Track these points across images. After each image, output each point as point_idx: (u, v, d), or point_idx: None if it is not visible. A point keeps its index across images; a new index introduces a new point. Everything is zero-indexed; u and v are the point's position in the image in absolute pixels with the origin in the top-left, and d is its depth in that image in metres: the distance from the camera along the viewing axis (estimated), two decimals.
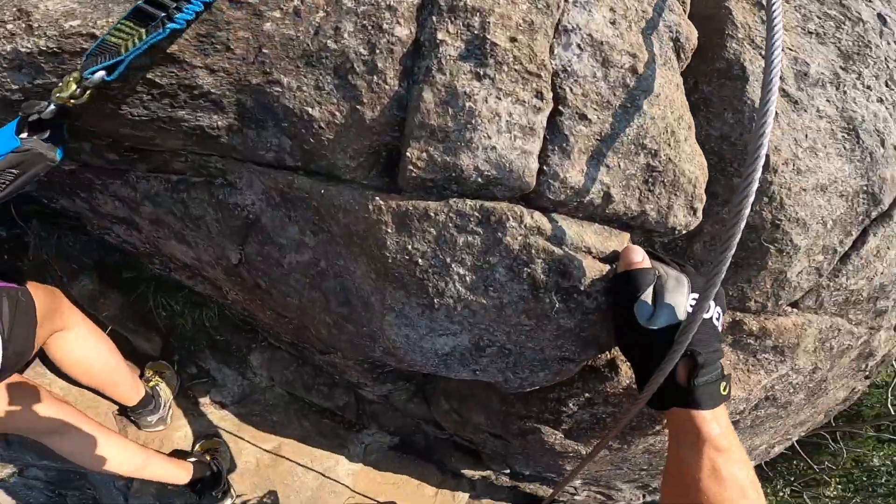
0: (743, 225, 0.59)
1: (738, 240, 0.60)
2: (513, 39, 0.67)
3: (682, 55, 0.82)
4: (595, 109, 0.71)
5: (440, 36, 0.66)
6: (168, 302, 1.62)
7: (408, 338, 0.88)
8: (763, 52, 0.84)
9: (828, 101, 0.90)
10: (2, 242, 1.57)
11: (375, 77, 0.68)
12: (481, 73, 0.67)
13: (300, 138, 0.72)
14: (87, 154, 0.85)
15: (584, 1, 0.71)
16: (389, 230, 0.72)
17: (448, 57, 0.66)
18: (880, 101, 0.96)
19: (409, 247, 0.73)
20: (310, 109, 0.69)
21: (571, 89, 0.70)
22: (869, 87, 0.95)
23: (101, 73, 0.61)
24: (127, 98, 0.70)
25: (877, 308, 1.14)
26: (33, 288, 1.16)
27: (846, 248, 1.00)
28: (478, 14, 0.66)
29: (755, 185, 0.59)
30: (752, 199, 0.59)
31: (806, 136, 0.88)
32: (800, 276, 0.99)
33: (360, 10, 0.66)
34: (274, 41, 0.67)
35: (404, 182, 0.70)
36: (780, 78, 0.80)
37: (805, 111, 0.88)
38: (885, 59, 0.99)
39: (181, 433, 1.79)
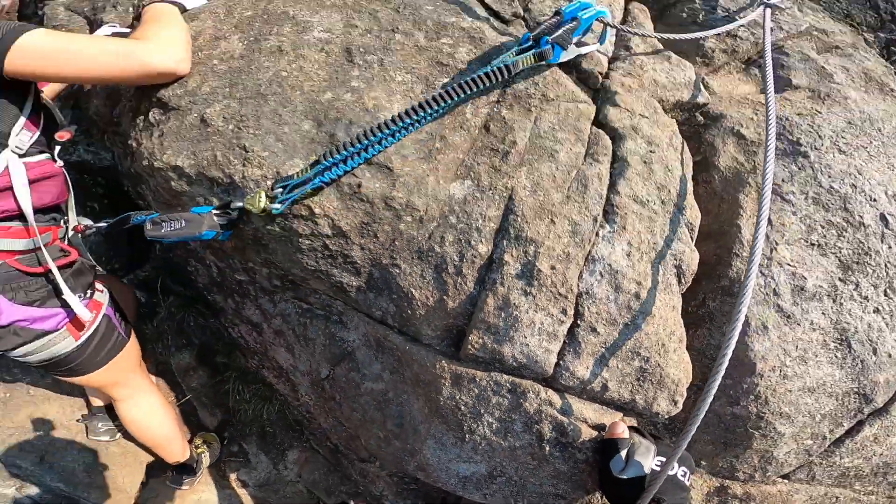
0: (701, 418, 0.83)
1: (696, 427, 0.83)
2: (552, 267, 1.03)
3: (682, 280, 1.10)
4: (604, 325, 1.04)
5: (506, 258, 1.04)
6: (243, 390, 1.96)
7: (439, 459, 1.16)
8: (763, 271, 1.09)
9: (823, 313, 1.09)
10: (139, 306, 2.02)
11: (459, 279, 1.07)
12: (528, 290, 1.04)
13: (402, 308, 1.10)
14: (263, 276, 1.29)
15: (610, 235, 1.04)
16: (446, 384, 1.07)
17: (508, 275, 1.04)
18: (876, 311, 1.11)
19: (457, 397, 1.06)
20: (413, 291, 1.08)
21: (589, 308, 1.04)
22: (866, 298, 1.10)
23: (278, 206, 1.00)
24: (307, 252, 1.12)
25: (889, 481, 1.25)
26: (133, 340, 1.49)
27: (838, 436, 1.14)
28: (532, 244, 1.03)
29: (712, 395, 0.82)
30: (709, 403, 0.82)
31: (796, 346, 1.08)
32: (787, 455, 1.16)
33: (459, 226, 1.06)
34: (403, 237, 1.07)
35: (464, 354, 1.06)
36: (776, 293, 1.08)
37: (798, 324, 1.08)
38: (886, 265, 1.13)
39: (197, 497, 1.93)
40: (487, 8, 1.31)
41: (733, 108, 1.34)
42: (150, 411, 1.58)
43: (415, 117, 1.04)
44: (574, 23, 1.12)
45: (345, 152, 1.02)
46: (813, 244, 1.14)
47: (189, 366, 2.04)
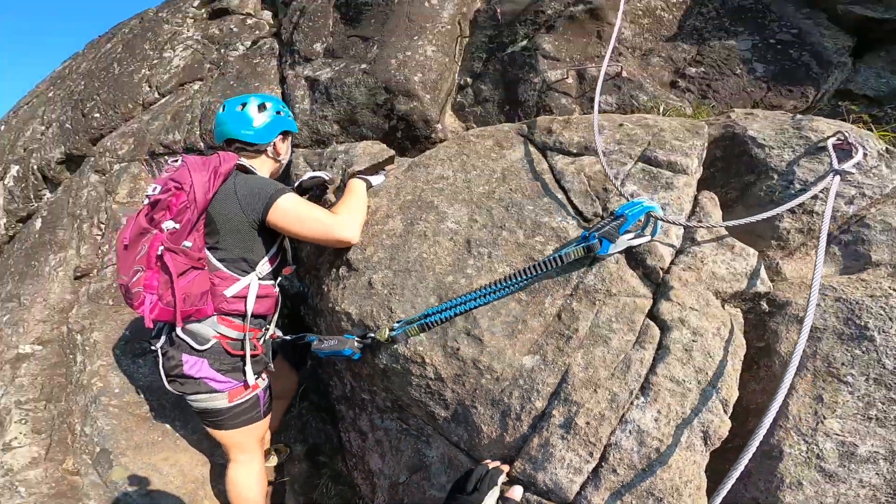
0: None
1: None
2: (588, 423, 1.24)
3: (709, 441, 1.19)
4: (624, 468, 1.18)
5: (554, 412, 1.30)
6: (330, 487, 2.30)
7: None
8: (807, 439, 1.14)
9: (877, 474, 1.08)
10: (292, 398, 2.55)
11: (518, 423, 1.36)
12: (565, 436, 1.26)
13: (472, 437, 1.43)
14: (380, 398, 1.74)
15: (642, 404, 1.23)
16: None
17: (553, 424, 1.28)
18: None
19: None
20: (483, 426, 1.41)
21: (613, 455, 1.20)
22: None
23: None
24: (416, 387, 1.53)
25: None
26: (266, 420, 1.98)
27: None
28: (576, 405, 1.27)
29: None
30: None
31: (837, 500, 1.09)
32: None
33: (524, 386, 1.37)
34: (483, 388, 1.41)
35: (509, 475, 1.31)
36: (819, 457, 1.13)
37: (843, 482, 1.10)
38: None
39: None
40: (574, 208, 1.67)
41: (802, 294, 1.40)
42: (251, 478, 1.96)
43: (489, 290, 1.49)
44: (621, 219, 1.40)
45: (441, 306, 1.51)
46: (871, 417, 1.15)
47: (297, 456, 2.48)
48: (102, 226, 3.32)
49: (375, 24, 3.06)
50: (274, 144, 1.93)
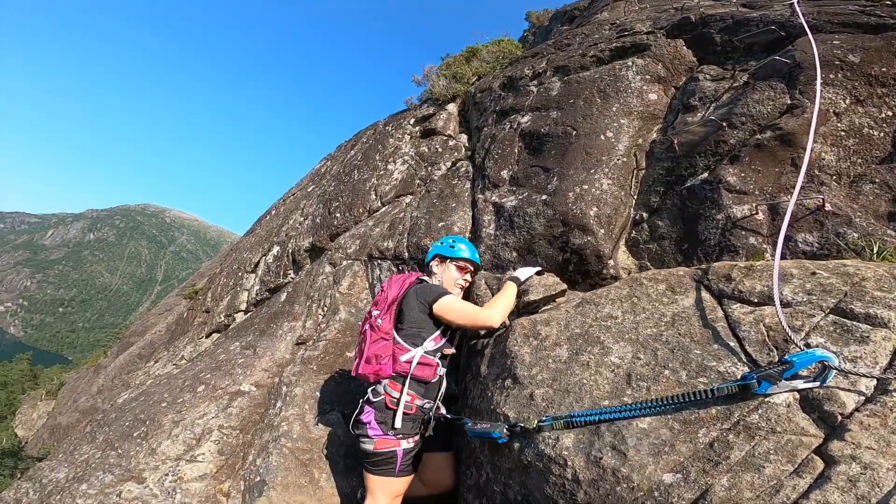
0: None
1: None
2: None
3: None
4: None
5: None
6: None
7: None
8: None
9: None
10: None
11: None
12: None
13: None
14: (513, 492, 1.93)
15: None
16: None
17: None
18: None
19: None
20: None
21: None
22: None
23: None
24: (551, 485, 1.71)
25: None
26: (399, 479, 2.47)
27: None
28: None
29: None
30: None
31: None
32: None
33: (658, 499, 1.44)
34: (616, 495, 1.53)
35: None
36: None
37: None
38: None
39: None
40: (748, 356, 1.71)
41: None
42: None
43: (635, 406, 1.67)
44: (787, 365, 1.48)
45: (588, 411, 1.74)
46: None
47: None
48: (325, 308, 4.40)
49: (556, 155, 3.57)
50: (432, 266, 2.92)
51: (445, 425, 2.74)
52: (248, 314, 5.82)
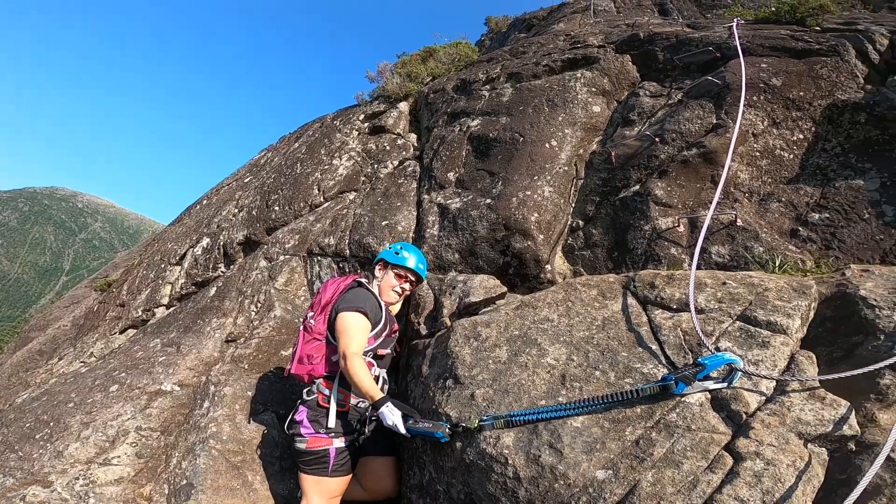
0: None
1: None
2: None
3: None
4: None
5: None
6: None
7: None
8: None
9: None
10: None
11: None
12: None
13: None
14: (456, 490, 1.98)
15: None
16: None
17: None
18: None
19: None
20: None
21: None
22: None
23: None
24: (493, 483, 1.77)
25: None
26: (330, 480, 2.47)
27: None
28: None
29: None
30: None
31: None
32: None
33: (593, 494, 1.56)
34: (554, 491, 1.63)
35: None
36: None
37: None
38: None
39: None
40: (667, 358, 1.89)
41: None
42: None
43: (568, 406, 1.80)
44: (700, 367, 1.67)
45: (526, 410, 1.85)
46: None
47: None
48: (259, 304, 4.22)
49: (502, 160, 3.68)
50: (375, 269, 2.86)
51: (387, 430, 2.72)
52: (171, 309, 5.45)
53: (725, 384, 1.70)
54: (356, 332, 2.47)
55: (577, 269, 3.06)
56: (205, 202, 7.18)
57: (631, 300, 2.21)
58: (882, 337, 1.75)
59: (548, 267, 3.01)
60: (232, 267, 4.98)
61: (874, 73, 3.04)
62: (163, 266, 6.13)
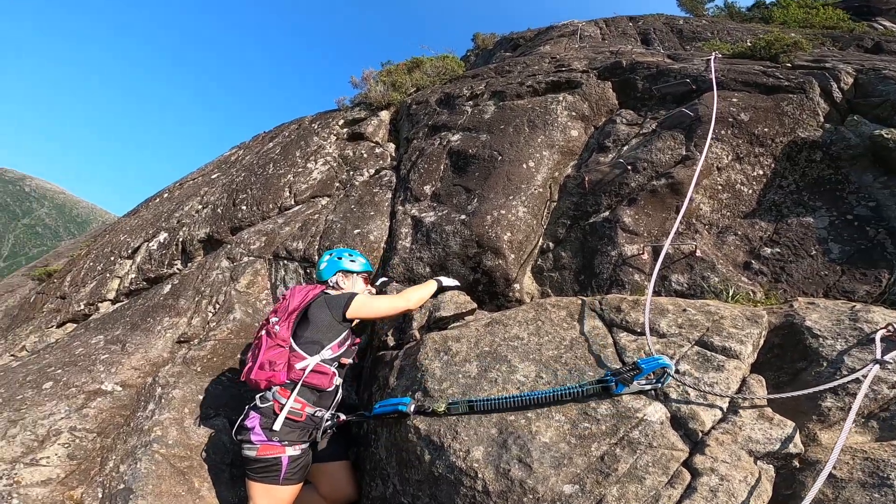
0: None
1: None
2: None
3: None
4: None
5: None
6: None
7: None
8: None
9: None
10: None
11: None
12: None
13: None
14: (423, 502, 1.96)
15: None
16: None
17: None
18: None
19: None
20: None
21: None
22: None
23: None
24: (461, 496, 1.77)
25: None
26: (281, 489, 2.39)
27: None
28: None
29: None
30: None
31: None
32: None
33: None
34: None
35: None
36: None
37: None
38: None
39: None
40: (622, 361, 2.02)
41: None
42: None
43: (518, 396, 1.91)
44: (637, 370, 1.81)
45: (487, 397, 1.96)
46: None
47: None
48: (217, 305, 4.06)
49: (479, 177, 3.74)
50: (336, 281, 2.88)
51: (339, 436, 2.71)
52: (118, 305, 5.15)
53: (659, 385, 1.85)
54: (374, 298, 2.75)
55: (545, 290, 3.13)
56: (166, 195, 6.88)
57: (598, 322, 2.30)
58: (825, 364, 1.92)
59: (516, 286, 3.07)
60: (190, 265, 4.78)
61: (835, 111, 3.20)
62: (113, 259, 5.80)
